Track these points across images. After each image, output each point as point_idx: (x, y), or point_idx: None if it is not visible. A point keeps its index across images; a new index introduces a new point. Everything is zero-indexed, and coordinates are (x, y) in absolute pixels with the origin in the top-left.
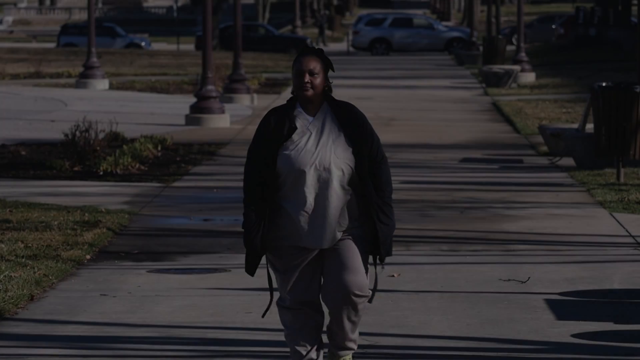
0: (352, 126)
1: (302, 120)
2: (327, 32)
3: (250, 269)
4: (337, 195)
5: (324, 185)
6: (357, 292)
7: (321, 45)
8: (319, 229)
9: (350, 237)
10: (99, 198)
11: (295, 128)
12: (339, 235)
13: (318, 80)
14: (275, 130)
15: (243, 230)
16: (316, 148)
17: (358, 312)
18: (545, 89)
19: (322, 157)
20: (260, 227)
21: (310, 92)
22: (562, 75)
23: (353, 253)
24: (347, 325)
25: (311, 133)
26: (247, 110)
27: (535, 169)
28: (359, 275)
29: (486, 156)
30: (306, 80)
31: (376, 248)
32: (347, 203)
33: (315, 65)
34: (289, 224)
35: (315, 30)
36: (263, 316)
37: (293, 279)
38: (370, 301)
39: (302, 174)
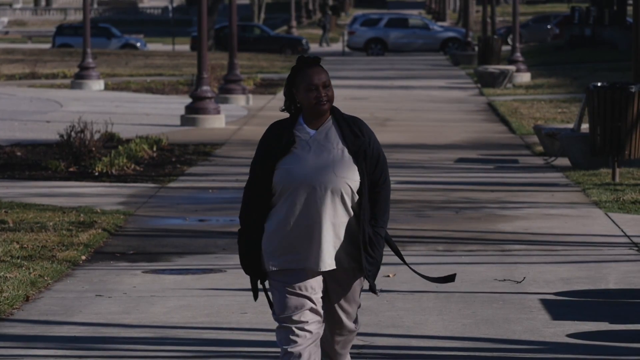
0: (357, 142)
1: (303, 134)
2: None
3: (255, 292)
4: (332, 216)
5: (319, 203)
6: (351, 328)
7: (324, 46)
8: (313, 251)
9: (349, 266)
10: (95, 199)
11: (294, 141)
12: (338, 262)
13: (331, 92)
14: (273, 144)
15: (239, 251)
16: (315, 164)
17: (346, 346)
18: (540, 89)
19: (319, 174)
20: (254, 245)
21: (327, 106)
22: (557, 75)
23: (349, 285)
24: (337, 353)
25: (310, 147)
26: (242, 110)
27: (530, 169)
28: (349, 311)
29: (481, 156)
30: (323, 94)
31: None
32: (344, 224)
33: (325, 77)
34: (286, 245)
35: (310, 31)
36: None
37: (294, 298)
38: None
39: (296, 190)
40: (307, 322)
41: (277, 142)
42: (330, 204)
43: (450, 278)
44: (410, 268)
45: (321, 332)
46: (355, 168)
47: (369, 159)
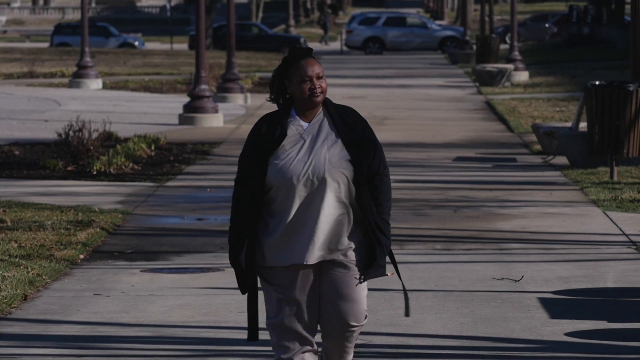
0: (351, 132)
1: (296, 127)
2: (321, 31)
3: (242, 288)
4: (330, 209)
5: (316, 197)
6: (354, 323)
7: (322, 44)
8: (308, 245)
9: (347, 260)
10: (93, 198)
11: (286, 135)
12: (335, 255)
13: (325, 84)
14: (266, 138)
15: (230, 248)
16: (309, 157)
17: (352, 341)
18: (538, 87)
19: (315, 166)
20: (246, 241)
21: (320, 97)
22: (555, 74)
23: (350, 280)
24: (341, 351)
25: (305, 141)
26: (240, 109)
27: (528, 168)
28: (357, 305)
29: (480, 155)
30: (317, 85)
31: (368, 266)
32: (342, 217)
33: (319, 68)
34: (278, 240)
35: (309, 30)
36: (248, 340)
37: (287, 302)
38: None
39: (292, 185)
40: (302, 328)
41: (269, 135)
42: (327, 197)
43: (406, 310)
44: (398, 273)
45: (314, 336)
46: (348, 158)
47: (365, 148)
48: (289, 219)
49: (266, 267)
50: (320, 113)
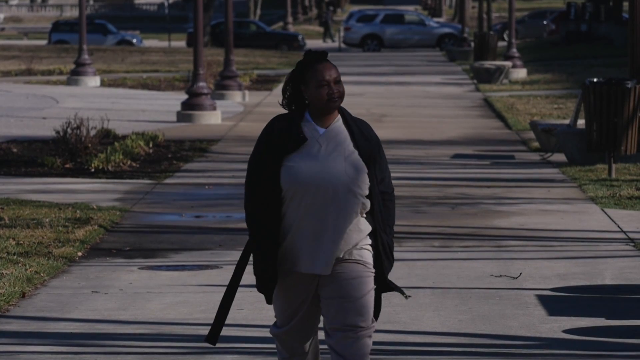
0: (369, 146)
1: (312, 131)
2: (320, 29)
3: (268, 294)
4: (344, 218)
5: (331, 205)
6: (360, 323)
7: (330, 42)
8: (323, 254)
9: (351, 259)
10: (91, 195)
11: (306, 139)
12: (340, 253)
13: (342, 88)
14: (280, 139)
15: (253, 255)
16: (326, 164)
17: (361, 348)
18: (536, 84)
19: (333, 174)
20: (271, 246)
21: (338, 102)
22: (553, 71)
23: (356, 278)
24: None
25: (321, 146)
26: (238, 106)
27: (526, 165)
28: (361, 305)
29: (477, 152)
30: (335, 90)
31: (380, 283)
32: (354, 227)
33: (336, 72)
34: (290, 247)
35: (307, 27)
36: (206, 340)
37: (292, 310)
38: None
39: (304, 189)
40: (306, 335)
41: (285, 137)
42: (343, 208)
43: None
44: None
45: (317, 342)
46: (366, 171)
47: (379, 165)
48: (300, 225)
49: (280, 272)
50: (337, 120)
